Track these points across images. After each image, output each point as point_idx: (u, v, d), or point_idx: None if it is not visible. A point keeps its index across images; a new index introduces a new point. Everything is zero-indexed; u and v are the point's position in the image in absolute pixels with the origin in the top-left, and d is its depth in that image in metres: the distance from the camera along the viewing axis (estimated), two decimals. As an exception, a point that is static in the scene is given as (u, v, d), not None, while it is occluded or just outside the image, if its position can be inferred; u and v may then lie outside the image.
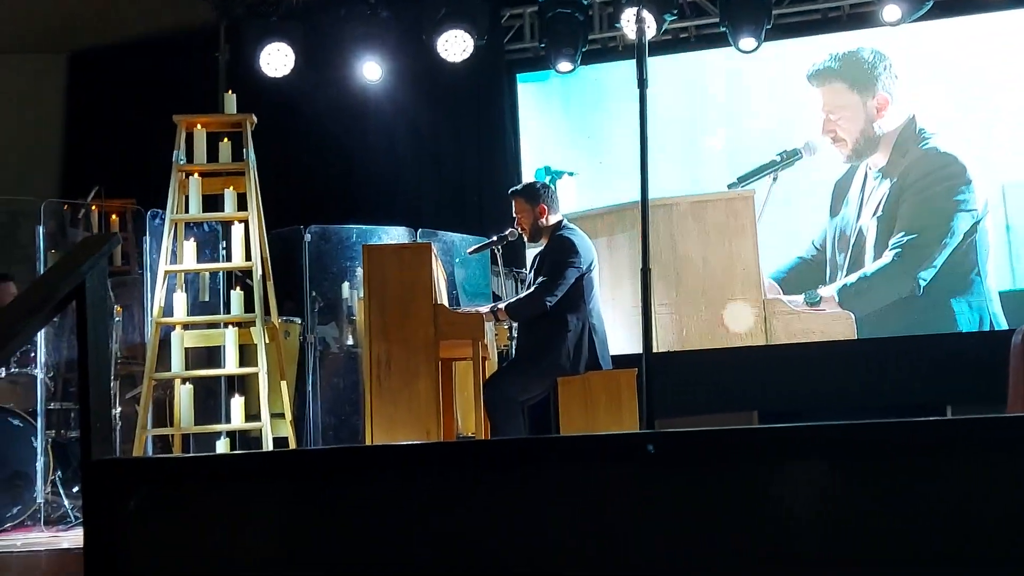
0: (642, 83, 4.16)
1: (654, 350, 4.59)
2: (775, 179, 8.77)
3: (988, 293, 8.41)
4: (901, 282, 8.48)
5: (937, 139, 8.62)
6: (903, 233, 8.51)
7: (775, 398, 7.52)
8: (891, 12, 8.13)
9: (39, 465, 6.38)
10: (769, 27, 8.44)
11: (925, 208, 8.53)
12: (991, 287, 8.42)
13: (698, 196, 8.13)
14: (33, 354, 6.62)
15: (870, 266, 8.60)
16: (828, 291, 8.65)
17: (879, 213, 8.63)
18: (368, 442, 5.50)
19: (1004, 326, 8.28)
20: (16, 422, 6.44)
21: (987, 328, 8.36)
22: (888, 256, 8.54)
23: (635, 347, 7.42)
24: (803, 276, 8.73)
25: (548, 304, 5.69)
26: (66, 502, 6.58)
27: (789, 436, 2.41)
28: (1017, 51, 8.66)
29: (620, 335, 7.43)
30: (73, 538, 5.82)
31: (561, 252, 5.78)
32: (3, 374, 6.65)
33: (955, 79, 8.72)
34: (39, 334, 6.24)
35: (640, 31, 4.17)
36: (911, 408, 7.09)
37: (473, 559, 2.48)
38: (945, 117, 8.65)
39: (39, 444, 6.41)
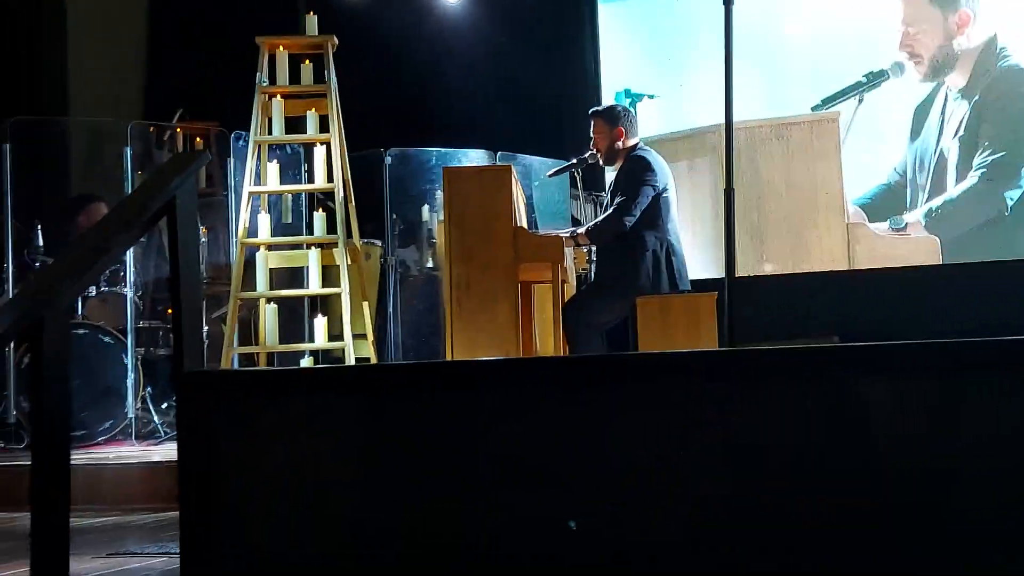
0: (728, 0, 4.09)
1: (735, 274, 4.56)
2: (860, 101, 8.58)
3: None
4: (988, 203, 8.29)
5: (1019, 56, 8.37)
6: (988, 152, 8.31)
7: (857, 323, 7.44)
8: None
9: (130, 381, 6.57)
10: (856, -55, 8.20)
11: (1008, 126, 8.32)
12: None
13: (781, 119, 7.98)
14: (122, 273, 6.78)
15: (954, 189, 8.42)
16: (913, 216, 8.50)
17: (960, 134, 8.43)
18: (448, 362, 5.56)
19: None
20: (107, 339, 6.62)
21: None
22: (973, 177, 8.36)
23: (715, 271, 7.40)
24: (887, 202, 8.57)
25: (627, 224, 5.68)
26: (156, 417, 6.77)
27: (869, 355, 2.40)
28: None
29: (700, 259, 7.38)
30: (163, 452, 5.99)
31: (637, 171, 5.75)
32: (94, 292, 6.82)
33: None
34: (128, 253, 6.38)
35: (726, -54, 4.09)
36: (1000, 333, 6.97)
37: (541, 476, 2.51)
38: (1026, 33, 8.39)
39: (129, 361, 6.59)
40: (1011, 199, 8.28)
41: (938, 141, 8.52)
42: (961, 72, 8.50)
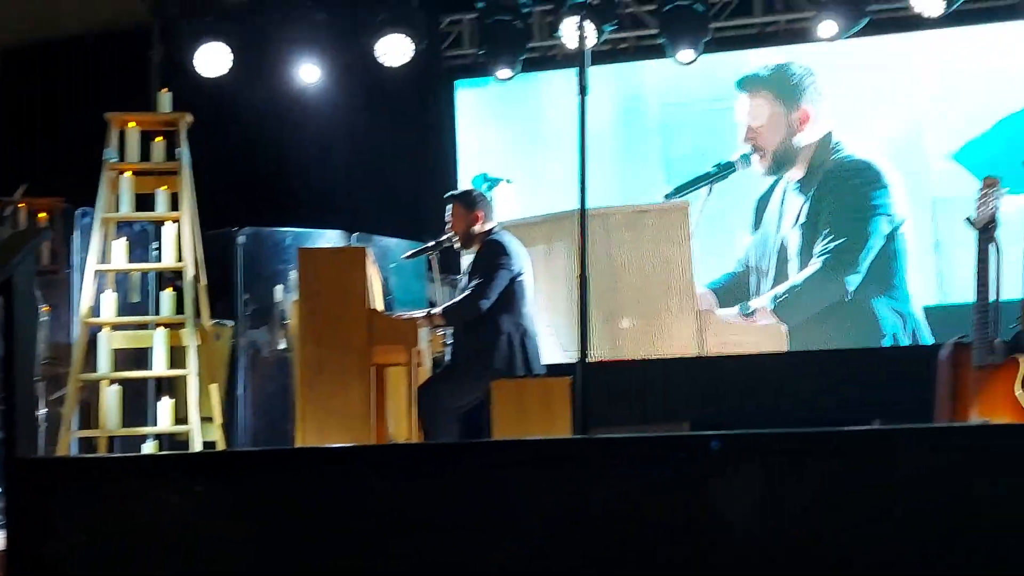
0: (582, 90, 4.16)
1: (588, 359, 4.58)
2: (710, 191, 8.85)
3: (910, 299, 8.60)
4: (830, 288, 8.64)
5: (852, 149, 8.83)
6: (829, 239, 8.68)
7: (707, 409, 7.56)
8: (827, 28, 8.25)
9: (-41, 467, 6.24)
10: (707, 40, 8.51)
11: (845, 213, 8.73)
12: (913, 294, 8.59)
13: (634, 206, 8.15)
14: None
15: (798, 275, 8.75)
16: (760, 302, 8.76)
17: (801, 221, 8.80)
18: (299, 447, 5.44)
19: (930, 341, 8.43)
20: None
21: (909, 335, 8.54)
22: (816, 263, 8.70)
23: (570, 356, 7.45)
24: (734, 290, 8.85)
25: (483, 307, 5.69)
26: (-13, 504, 6.43)
27: (723, 442, 2.43)
28: (945, 70, 8.84)
29: (555, 343, 7.43)
30: (-7, 541, 5.68)
31: (493, 255, 5.79)
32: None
33: (884, 96, 8.88)
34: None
35: (582, 40, 4.18)
36: (840, 421, 7.17)
37: (395, 562, 2.46)
38: (864, 131, 8.84)
39: (-41, 445, 6.26)
40: (851, 285, 8.62)
41: (778, 230, 8.86)
42: (800, 166, 8.90)
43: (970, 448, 2.40)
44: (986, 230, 5.13)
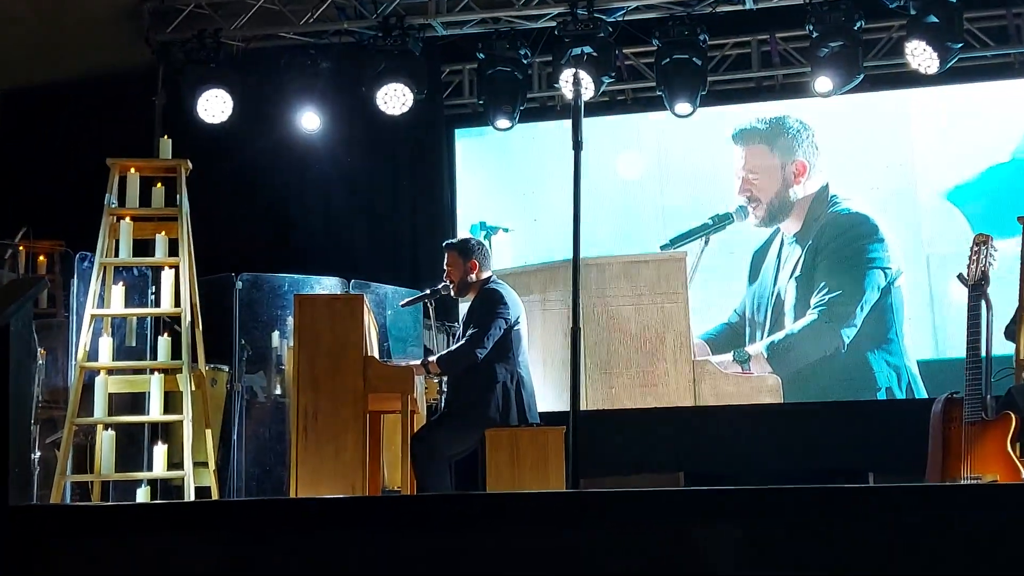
0: (577, 145, 4.20)
1: (582, 408, 4.60)
2: (706, 242, 8.91)
3: (905, 353, 8.62)
4: (826, 339, 8.68)
5: (849, 203, 8.91)
6: (824, 291, 8.72)
7: (701, 460, 7.56)
8: (823, 84, 8.33)
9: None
10: (704, 93, 8.59)
11: (841, 267, 8.78)
12: (908, 347, 8.62)
13: (630, 256, 8.20)
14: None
15: (794, 324, 8.78)
16: (756, 349, 8.79)
17: (797, 274, 8.85)
18: (293, 494, 5.44)
19: (924, 394, 8.44)
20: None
21: (904, 388, 8.56)
22: (812, 315, 8.75)
23: (565, 405, 7.44)
24: (728, 340, 8.89)
25: (479, 356, 5.71)
26: (-22, 549, 6.40)
27: (711, 499, 2.44)
28: (940, 126, 8.93)
29: (551, 392, 7.44)
30: (-16, 586, 5.66)
31: (489, 304, 5.81)
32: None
33: (878, 151, 8.97)
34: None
35: (577, 93, 4.23)
36: (834, 472, 7.18)
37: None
38: (861, 184, 8.93)
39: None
40: (847, 337, 8.65)
41: (775, 282, 8.90)
42: (796, 218, 8.96)
43: (966, 508, 2.42)
44: (977, 287, 5.17)
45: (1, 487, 2.40)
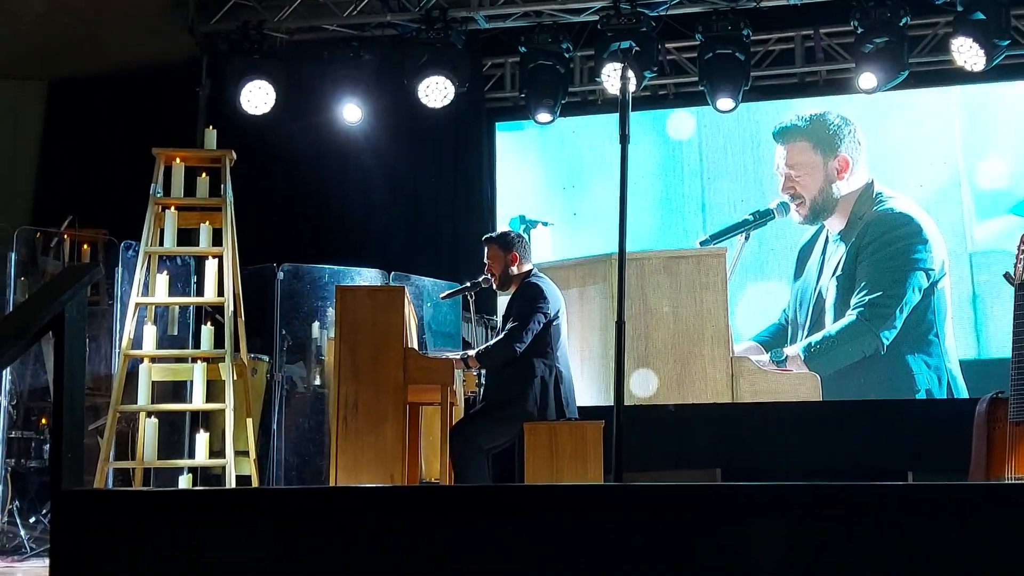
0: (624, 138, 4.19)
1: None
2: (747, 238, 8.87)
3: (946, 355, 8.55)
4: (865, 341, 8.61)
5: (893, 201, 8.82)
6: (865, 292, 8.66)
7: (738, 457, 7.54)
8: (867, 80, 8.27)
9: (-3, 493, 6.32)
10: (747, 88, 8.56)
11: (883, 267, 8.71)
12: (949, 349, 8.55)
13: (670, 251, 8.18)
14: (-3, 380, 6.58)
15: (833, 326, 8.73)
16: (793, 350, 8.75)
17: (838, 273, 8.79)
18: (332, 483, 5.48)
19: (965, 393, 8.37)
20: (-24, 449, 6.38)
21: (944, 390, 8.49)
22: (851, 315, 8.69)
23: (602, 399, 7.46)
24: (779, 340, 8.85)
25: (517, 350, 5.71)
26: (22, 532, 6.50)
27: (758, 493, 2.44)
28: (985, 124, 8.85)
29: (588, 387, 7.44)
30: (27, 568, 5.75)
31: (530, 298, 5.81)
32: (-34, 400, 6.60)
33: (922, 149, 8.90)
34: (4, 361, 6.18)
35: (624, 86, 4.22)
36: (873, 473, 7.13)
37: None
38: (910, 184, 8.85)
39: (-1, 472, 6.35)
40: (887, 339, 8.58)
41: (818, 280, 8.84)
42: (840, 215, 8.90)
43: (1004, 508, 2.40)
44: (1024, 286, 5.11)
45: (55, 472, 2.44)
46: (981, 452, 5.08)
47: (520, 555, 2.51)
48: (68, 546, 2.41)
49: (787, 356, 8.72)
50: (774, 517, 2.43)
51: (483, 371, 6.12)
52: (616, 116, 4.43)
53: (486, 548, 2.51)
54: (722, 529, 2.45)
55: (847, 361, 8.62)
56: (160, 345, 6.58)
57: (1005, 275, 5.22)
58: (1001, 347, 8.24)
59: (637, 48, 8.14)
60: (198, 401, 6.44)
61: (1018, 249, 5.24)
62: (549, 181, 9.64)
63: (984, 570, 2.35)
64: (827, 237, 8.94)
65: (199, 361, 6.48)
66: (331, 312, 7.41)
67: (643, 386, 7.57)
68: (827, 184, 8.97)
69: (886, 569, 2.37)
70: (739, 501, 2.46)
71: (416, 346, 6.06)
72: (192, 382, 6.49)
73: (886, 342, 8.59)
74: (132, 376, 6.40)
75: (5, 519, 6.43)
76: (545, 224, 9.24)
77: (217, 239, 6.59)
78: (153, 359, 6.46)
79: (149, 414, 6.38)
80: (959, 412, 6.43)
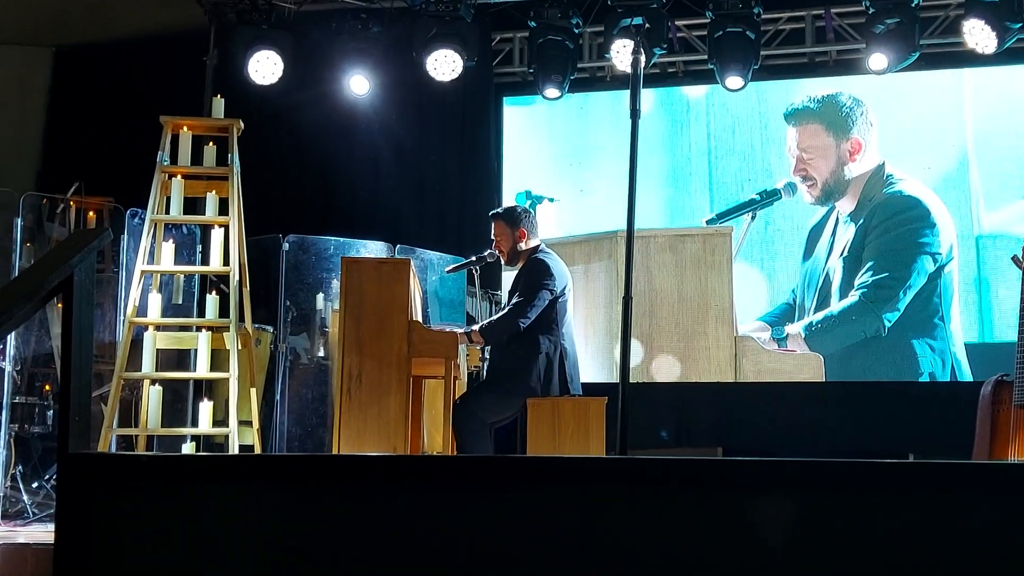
0: (635, 113, 4.17)
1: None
2: (753, 217, 8.86)
3: (951, 338, 8.55)
4: (867, 322, 8.61)
5: (903, 184, 8.80)
6: (869, 273, 8.66)
7: (740, 436, 7.55)
8: (877, 61, 8.24)
9: (0, 458, 6.34)
10: (756, 67, 8.53)
11: (889, 249, 8.70)
12: (954, 332, 8.55)
13: (676, 230, 8.18)
14: (1, 346, 6.58)
15: (836, 305, 8.73)
16: (795, 328, 8.75)
17: (845, 254, 8.79)
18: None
19: (969, 377, 8.37)
20: (-20, 413, 6.39)
21: (948, 373, 8.49)
22: (854, 296, 8.69)
23: (605, 375, 7.47)
24: (785, 319, 8.86)
25: (521, 325, 5.71)
26: (25, 497, 6.53)
27: (765, 469, 2.44)
28: (995, 106, 8.82)
29: (592, 363, 7.45)
30: (29, 533, 5.77)
31: (536, 274, 5.80)
32: (-30, 365, 6.61)
33: (931, 130, 8.87)
34: (9, 326, 6.19)
35: (636, 60, 4.20)
36: (874, 454, 7.14)
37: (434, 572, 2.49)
38: (918, 166, 8.82)
39: (2, 437, 6.37)
40: (889, 320, 8.58)
41: (826, 261, 8.84)
42: (851, 196, 8.89)
43: (1008, 486, 2.41)
44: (1032, 269, 5.11)
45: (62, 435, 2.45)
46: (985, 435, 5.09)
47: (521, 525, 2.52)
48: (74, 509, 2.42)
49: (788, 334, 8.73)
50: (775, 493, 2.44)
51: (487, 346, 6.12)
52: (625, 93, 4.41)
53: (488, 517, 2.51)
54: (723, 503, 2.46)
55: (848, 341, 8.62)
56: (165, 313, 6.58)
57: (1013, 258, 5.22)
58: (1006, 330, 8.25)
59: (647, 24, 8.10)
60: (202, 370, 6.44)
61: (1026, 232, 5.23)
62: (556, 157, 9.62)
63: (986, 548, 2.35)
64: (838, 218, 8.92)
65: (203, 330, 6.48)
66: (336, 284, 7.41)
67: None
68: (839, 166, 8.95)
69: (887, 546, 2.38)
70: (740, 476, 2.47)
71: (420, 319, 6.06)
72: (196, 351, 6.49)
73: (888, 324, 8.59)
74: (136, 344, 6.41)
75: (8, 484, 6.46)
76: (551, 200, 9.24)
77: (223, 208, 6.58)
78: (158, 327, 6.47)
79: (153, 382, 6.39)
80: (963, 395, 6.43)
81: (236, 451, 6.18)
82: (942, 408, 7.12)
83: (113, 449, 6.42)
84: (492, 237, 6.00)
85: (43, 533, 5.68)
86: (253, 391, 6.55)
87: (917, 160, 8.86)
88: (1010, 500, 2.31)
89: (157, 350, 6.46)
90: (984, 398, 5.15)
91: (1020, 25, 7.92)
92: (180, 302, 6.87)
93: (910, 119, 8.94)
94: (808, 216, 8.99)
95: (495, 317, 5.93)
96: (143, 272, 6.41)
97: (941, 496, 2.39)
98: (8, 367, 6.55)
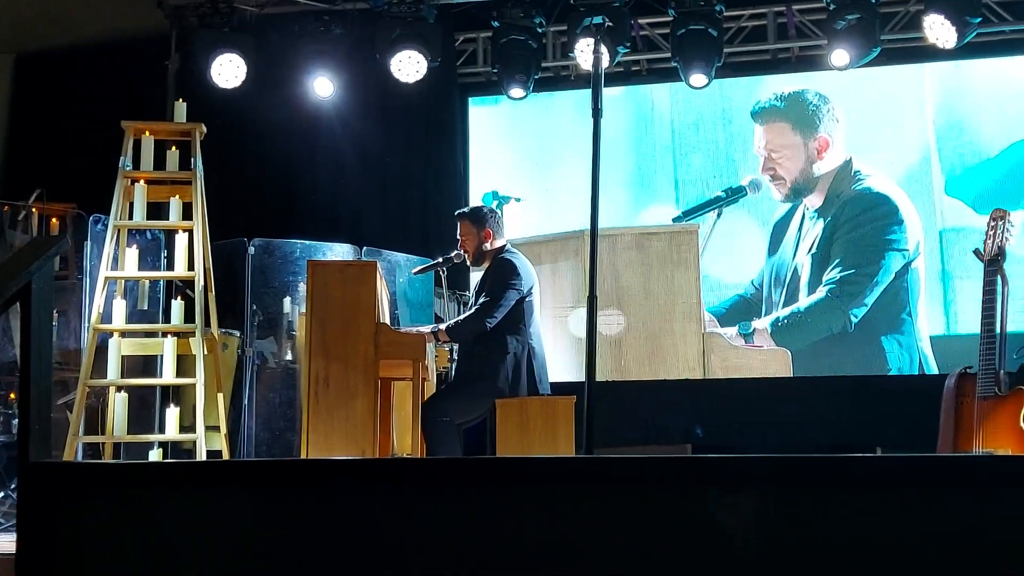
0: (596, 112, 4.18)
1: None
2: (719, 215, 8.89)
3: (918, 334, 8.61)
4: (833, 318, 8.66)
5: (871, 180, 8.86)
6: (837, 269, 8.70)
7: (709, 432, 7.58)
8: (839, 57, 8.29)
9: (-35, 468, 6.27)
10: (720, 64, 8.56)
11: (857, 245, 8.75)
12: (921, 328, 8.61)
13: (642, 228, 8.20)
14: (-36, 355, 6.52)
15: (803, 301, 8.77)
16: (761, 324, 8.79)
17: (813, 251, 8.84)
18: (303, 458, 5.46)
19: (935, 371, 8.44)
20: (-57, 424, 6.32)
21: (916, 368, 8.55)
22: (821, 291, 8.74)
23: (574, 375, 7.47)
24: (741, 313, 8.87)
25: (488, 325, 5.71)
26: (-11, 506, 6.46)
27: (728, 466, 2.45)
28: (956, 100, 8.89)
29: (560, 362, 7.45)
30: (-6, 543, 5.70)
31: (502, 274, 5.80)
32: (-68, 374, 6.53)
33: (894, 125, 8.94)
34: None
35: (597, 59, 4.20)
36: (842, 448, 7.17)
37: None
38: (882, 160, 8.89)
39: (-34, 447, 6.30)
40: (855, 316, 8.63)
41: (793, 257, 8.88)
42: (819, 193, 8.95)
43: (974, 479, 2.42)
44: (994, 262, 5.16)
45: (22, 443, 2.42)
46: (949, 427, 5.13)
47: (492, 526, 2.51)
48: (35, 518, 2.39)
49: (755, 329, 8.77)
50: (744, 489, 2.44)
51: (455, 347, 6.11)
52: (589, 92, 4.42)
53: (458, 519, 2.51)
54: (692, 501, 2.46)
55: (814, 337, 8.67)
56: (130, 320, 6.53)
57: (975, 251, 5.26)
58: (970, 323, 8.31)
59: (609, 23, 8.11)
60: (168, 376, 6.40)
61: (987, 226, 5.28)
62: (522, 157, 9.62)
63: (953, 540, 2.37)
64: (804, 213, 8.97)
65: (169, 336, 6.44)
66: (302, 287, 7.38)
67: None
68: (807, 164, 9.00)
69: (856, 539, 2.39)
70: (709, 473, 2.47)
71: (389, 321, 6.05)
72: (162, 357, 6.45)
73: (855, 320, 8.64)
74: (102, 351, 6.36)
75: (-28, 494, 6.39)
76: (517, 200, 9.22)
77: (187, 213, 6.53)
78: (123, 333, 6.42)
79: (119, 388, 6.34)
80: (928, 388, 6.48)
81: (204, 457, 6.15)
82: (908, 401, 7.16)
83: (80, 457, 6.37)
84: (458, 237, 6.00)
85: (6, 542, 5.62)
86: (220, 396, 6.51)
87: (882, 156, 8.93)
88: (976, 493, 2.32)
89: (123, 356, 6.41)
90: (948, 391, 5.19)
91: (979, 19, 7.99)
92: (146, 308, 6.82)
93: (875, 114, 9.00)
94: (769, 211, 9.03)
95: (462, 317, 5.93)
96: (107, 278, 6.36)
97: (908, 489, 2.40)
98: (-29, 376, 6.48)
